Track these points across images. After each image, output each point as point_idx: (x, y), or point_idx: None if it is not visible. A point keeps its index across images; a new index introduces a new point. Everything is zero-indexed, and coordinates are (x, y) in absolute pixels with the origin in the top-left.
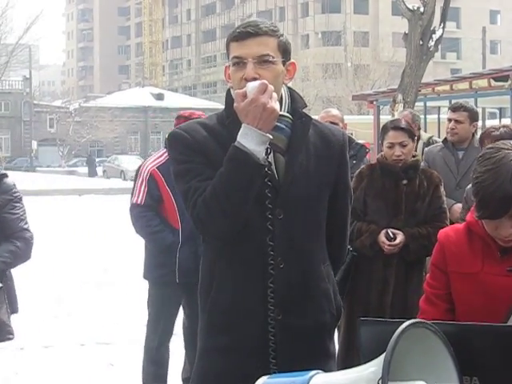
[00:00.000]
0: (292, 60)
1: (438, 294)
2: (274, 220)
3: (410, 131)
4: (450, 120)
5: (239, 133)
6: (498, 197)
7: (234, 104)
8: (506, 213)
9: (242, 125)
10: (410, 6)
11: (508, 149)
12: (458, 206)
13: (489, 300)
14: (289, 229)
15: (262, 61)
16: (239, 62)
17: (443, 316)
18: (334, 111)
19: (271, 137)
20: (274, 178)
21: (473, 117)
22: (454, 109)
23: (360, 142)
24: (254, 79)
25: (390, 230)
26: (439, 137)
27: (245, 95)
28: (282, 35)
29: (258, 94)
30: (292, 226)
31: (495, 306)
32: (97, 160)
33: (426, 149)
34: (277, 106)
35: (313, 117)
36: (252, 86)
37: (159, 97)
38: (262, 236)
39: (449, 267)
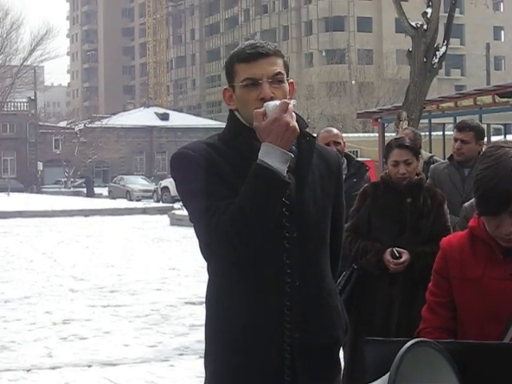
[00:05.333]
0: (291, 79)
1: (440, 302)
2: (290, 238)
3: (415, 149)
4: (456, 140)
5: (260, 151)
6: (498, 192)
7: (254, 123)
8: (506, 209)
9: (263, 144)
10: (414, 24)
11: (508, 147)
12: None
13: (491, 305)
14: (302, 247)
15: (276, 80)
16: (252, 83)
17: (446, 324)
18: (335, 130)
19: (293, 155)
20: (291, 197)
21: (479, 136)
22: (460, 128)
23: (359, 159)
24: (271, 98)
25: (395, 249)
26: (444, 153)
27: (265, 114)
28: (284, 55)
29: (280, 113)
30: (305, 243)
31: (497, 311)
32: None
33: (431, 166)
34: (297, 124)
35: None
36: (273, 105)
37: (164, 117)
38: (280, 254)
39: (451, 273)
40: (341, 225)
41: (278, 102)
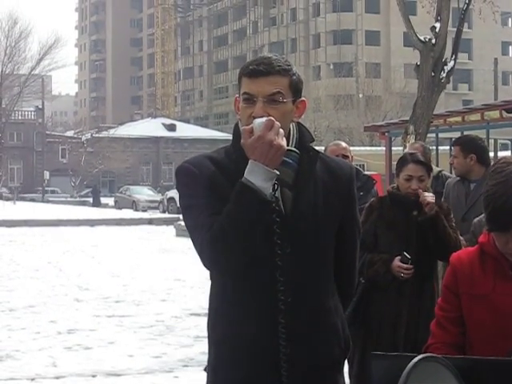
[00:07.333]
0: (303, 98)
1: (449, 317)
2: (282, 255)
3: (428, 166)
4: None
5: (246, 169)
6: (508, 209)
7: (241, 140)
8: None
9: (249, 161)
10: (422, 38)
11: None
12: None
13: (500, 321)
14: (296, 263)
15: (272, 100)
16: (249, 99)
17: (454, 340)
18: (344, 144)
19: (278, 173)
20: (282, 214)
21: (466, 149)
22: (452, 143)
23: (367, 173)
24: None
25: (405, 253)
26: (451, 168)
27: (251, 131)
28: (294, 74)
29: (264, 130)
30: (299, 260)
31: (506, 327)
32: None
33: (447, 180)
34: (284, 142)
35: (320, 149)
36: (259, 123)
37: (171, 127)
38: (272, 271)
39: (460, 288)
40: (353, 239)
41: (264, 119)
